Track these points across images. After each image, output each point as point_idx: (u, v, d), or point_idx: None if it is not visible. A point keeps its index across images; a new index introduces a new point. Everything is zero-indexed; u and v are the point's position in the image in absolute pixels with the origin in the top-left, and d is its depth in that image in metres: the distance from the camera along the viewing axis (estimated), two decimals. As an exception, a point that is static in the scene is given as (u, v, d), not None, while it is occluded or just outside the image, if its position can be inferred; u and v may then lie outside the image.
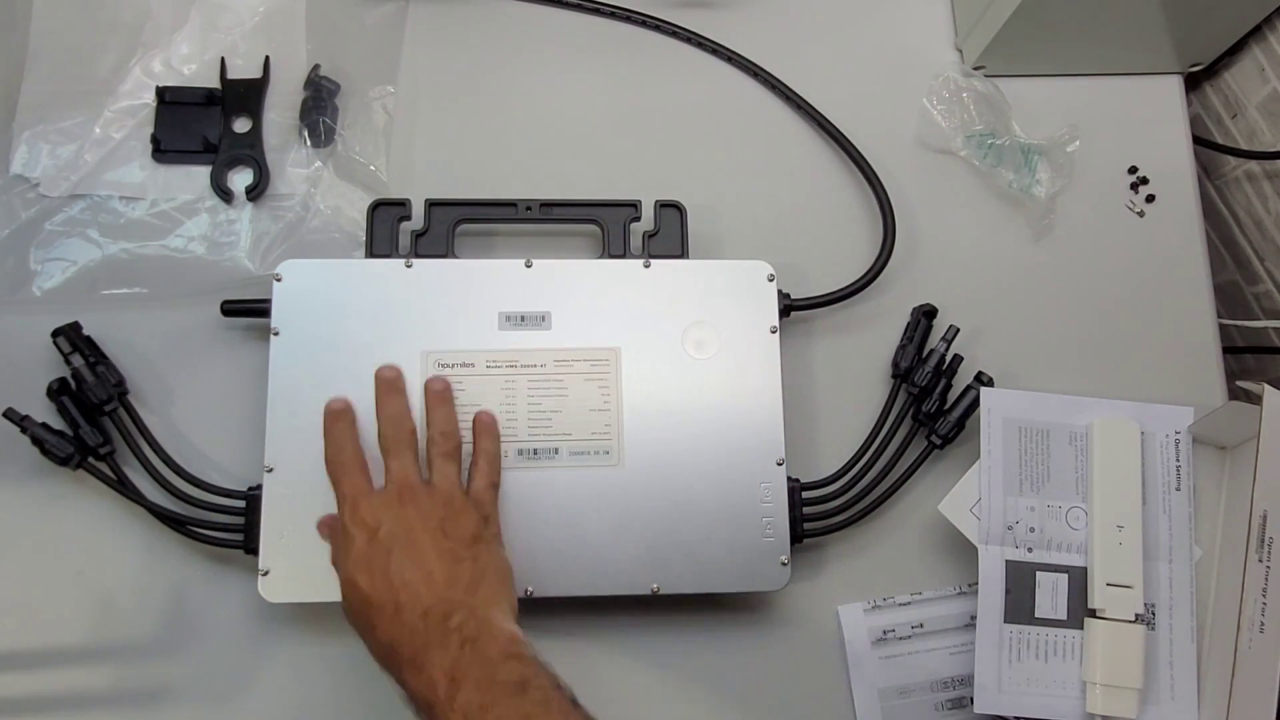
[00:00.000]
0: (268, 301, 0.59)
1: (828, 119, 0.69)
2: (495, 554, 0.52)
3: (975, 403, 0.61)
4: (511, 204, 0.63)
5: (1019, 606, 0.58)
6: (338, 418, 0.55)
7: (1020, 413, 0.61)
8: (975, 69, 0.71)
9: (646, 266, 0.61)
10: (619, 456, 0.58)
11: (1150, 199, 0.71)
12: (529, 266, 0.60)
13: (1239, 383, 0.66)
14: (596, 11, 0.72)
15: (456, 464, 0.54)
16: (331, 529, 0.53)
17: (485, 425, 0.57)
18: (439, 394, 0.57)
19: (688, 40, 0.71)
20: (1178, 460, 0.61)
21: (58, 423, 0.58)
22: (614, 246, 0.63)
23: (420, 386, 0.57)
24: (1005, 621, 0.58)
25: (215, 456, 0.60)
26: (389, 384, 0.56)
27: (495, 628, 0.48)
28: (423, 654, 0.46)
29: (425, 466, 0.54)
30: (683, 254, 0.63)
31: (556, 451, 0.58)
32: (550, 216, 0.63)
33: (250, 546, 0.56)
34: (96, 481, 0.58)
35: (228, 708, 0.58)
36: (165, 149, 0.65)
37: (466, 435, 0.57)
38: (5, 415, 0.56)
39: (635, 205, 0.63)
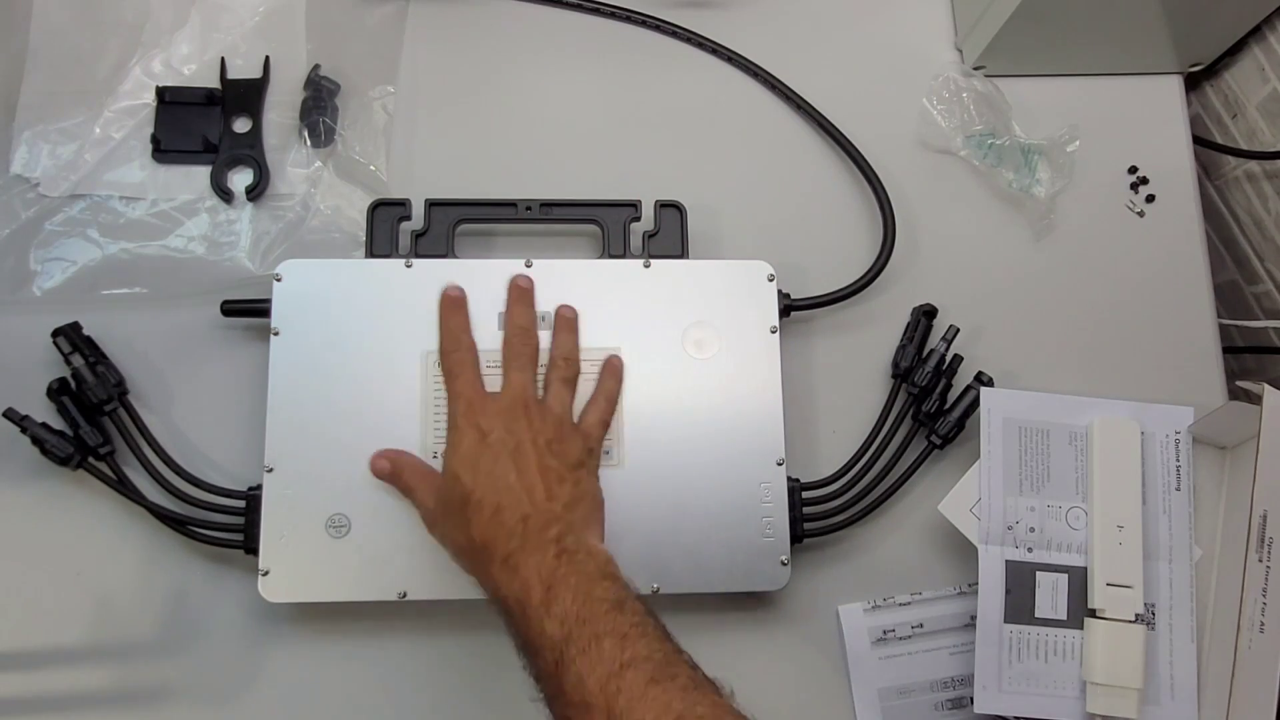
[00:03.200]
0: (268, 301, 0.59)
1: (828, 119, 0.69)
2: (594, 484, 0.54)
3: (975, 403, 0.61)
4: (511, 204, 0.63)
5: (1019, 606, 0.58)
6: (455, 307, 0.56)
7: (1020, 413, 0.61)
8: (975, 69, 0.71)
9: (646, 266, 0.61)
10: (619, 456, 0.58)
11: (1150, 199, 0.71)
12: (529, 266, 0.60)
13: (1239, 383, 0.66)
14: (596, 11, 0.72)
15: (572, 391, 0.56)
16: (395, 460, 0.54)
17: (613, 368, 0.58)
18: (568, 321, 0.58)
19: (688, 40, 0.71)
20: (1178, 460, 0.61)
21: (58, 423, 0.58)
22: (614, 246, 0.63)
23: (420, 386, 0.58)
24: (1005, 621, 0.58)
25: (215, 456, 0.60)
26: (522, 293, 0.58)
27: (592, 545, 0.49)
28: (519, 555, 0.47)
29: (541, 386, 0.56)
30: (683, 254, 0.63)
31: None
32: (550, 216, 0.63)
33: (250, 546, 0.56)
34: (96, 481, 0.58)
35: (228, 708, 0.58)
36: (165, 149, 0.65)
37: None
38: (5, 415, 0.56)
39: (635, 205, 0.63)
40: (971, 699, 0.58)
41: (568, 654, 0.43)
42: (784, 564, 0.58)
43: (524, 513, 0.49)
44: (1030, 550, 0.59)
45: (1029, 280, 0.68)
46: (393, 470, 0.55)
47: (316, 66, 0.67)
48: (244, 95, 0.66)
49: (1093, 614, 0.58)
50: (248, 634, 0.58)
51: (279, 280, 0.59)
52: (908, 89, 0.71)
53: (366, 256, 0.62)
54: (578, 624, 0.44)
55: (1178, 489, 0.60)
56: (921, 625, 0.61)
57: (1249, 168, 0.75)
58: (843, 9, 0.73)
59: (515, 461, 0.51)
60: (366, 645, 0.59)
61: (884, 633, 0.61)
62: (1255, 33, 0.71)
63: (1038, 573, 0.58)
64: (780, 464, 0.59)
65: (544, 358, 0.58)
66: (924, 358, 0.63)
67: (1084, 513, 0.59)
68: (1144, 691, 0.57)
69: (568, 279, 0.60)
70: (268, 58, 0.67)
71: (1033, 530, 0.59)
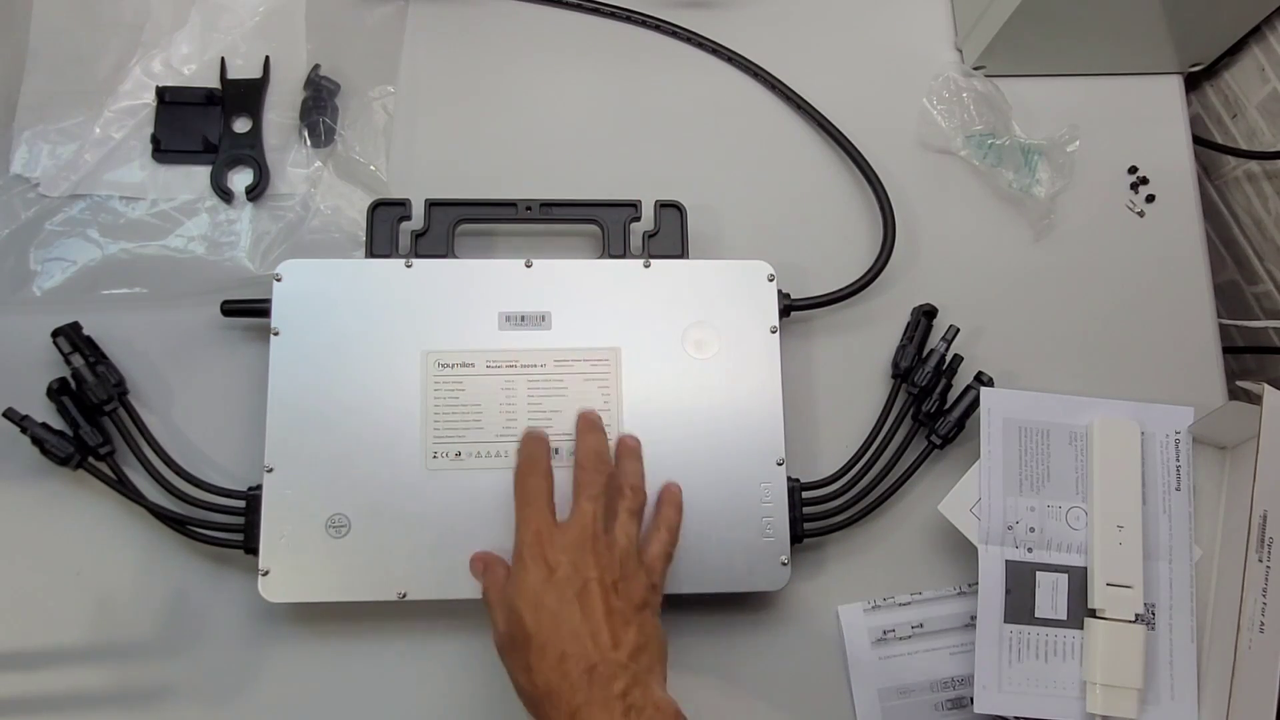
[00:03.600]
0: (268, 301, 0.59)
1: (828, 119, 0.69)
2: (657, 624, 0.51)
3: (975, 403, 0.61)
4: (511, 204, 0.63)
5: (1019, 606, 0.58)
6: (537, 439, 0.55)
7: (1020, 413, 0.61)
8: (975, 69, 0.71)
9: (646, 266, 0.61)
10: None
11: (1150, 199, 0.71)
12: (529, 266, 0.60)
13: (1239, 383, 0.66)
14: (596, 11, 0.72)
15: (639, 523, 0.54)
16: (489, 565, 0.53)
17: (673, 496, 0.57)
18: (632, 449, 0.57)
19: (688, 40, 0.71)
20: (1178, 460, 0.61)
21: (58, 423, 0.58)
22: (614, 246, 0.63)
23: (420, 386, 0.58)
24: (1005, 621, 0.58)
25: (215, 456, 0.60)
26: (592, 423, 0.57)
27: (659, 699, 0.47)
28: (585, 711, 0.46)
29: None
30: (683, 254, 0.63)
31: (557, 451, 0.57)
32: (550, 216, 0.63)
33: (250, 546, 0.56)
34: (96, 481, 0.58)
35: (228, 708, 0.58)
36: (165, 149, 0.65)
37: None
38: (5, 415, 0.56)
39: (635, 205, 0.63)
40: (971, 699, 0.58)
41: None
42: (784, 564, 0.58)
43: (590, 663, 0.47)
44: (1030, 550, 0.59)
45: (1029, 280, 0.68)
46: (484, 577, 0.53)
47: (316, 66, 0.67)
48: (244, 95, 0.66)
49: (1093, 614, 0.58)
50: (248, 634, 0.58)
51: (279, 280, 0.59)
52: (908, 89, 0.71)
53: (366, 256, 0.62)
54: None
55: (1178, 489, 0.60)
56: (921, 625, 0.61)
57: (1249, 168, 0.75)
58: (843, 9, 0.73)
59: (581, 603, 0.49)
60: (366, 645, 0.59)
61: (884, 633, 0.61)
62: (1255, 33, 0.71)
63: (1038, 573, 0.58)
64: (780, 464, 0.59)
65: (536, 360, 0.57)
66: (924, 358, 0.63)
67: (1084, 513, 0.59)
68: (1144, 691, 0.57)
69: (568, 279, 0.60)
70: (268, 58, 0.67)
71: (1033, 530, 0.59)
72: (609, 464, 0.55)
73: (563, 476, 0.55)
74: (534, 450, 0.55)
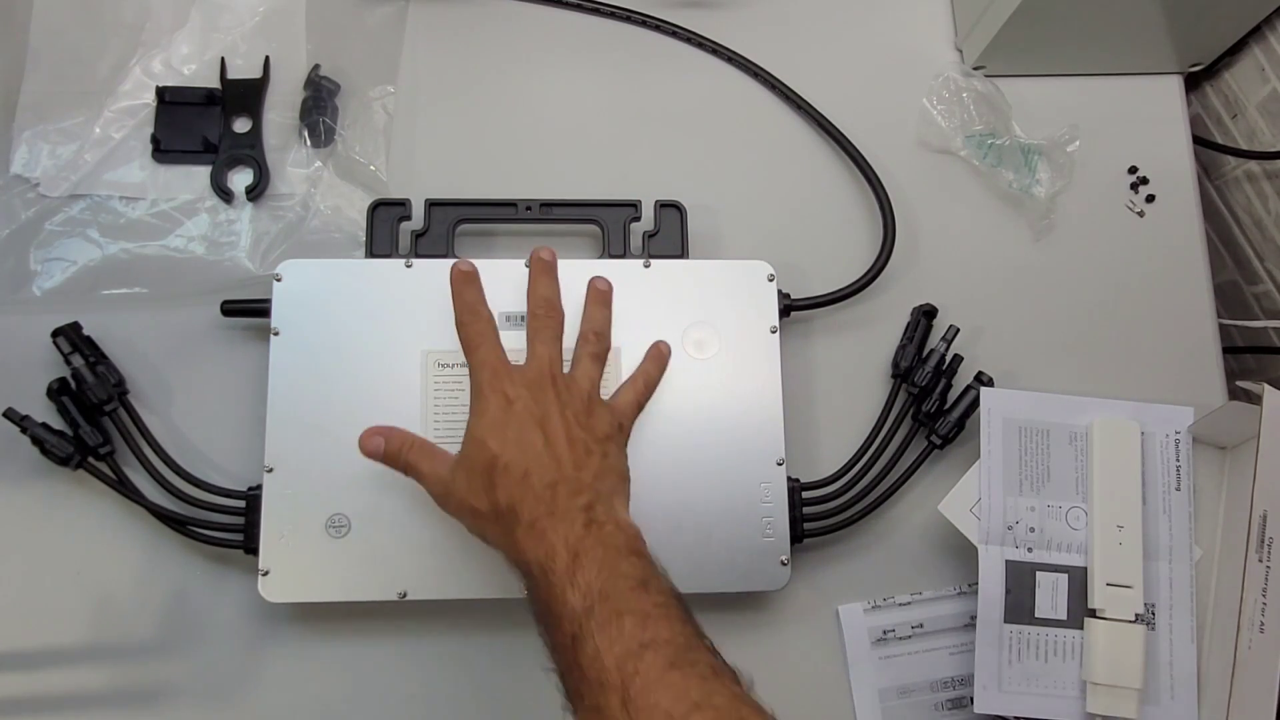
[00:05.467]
0: (268, 301, 0.59)
1: (828, 119, 0.69)
2: (622, 458, 0.52)
3: (975, 403, 0.61)
4: (511, 204, 0.63)
5: (1019, 606, 0.58)
6: (468, 280, 0.55)
7: (1020, 413, 0.61)
8: (975, 69, 0.71)
9: (646, 266, 0.61)
10: (619, 456, 0.58)
11: (1150, 199, 0.71)
12: (529, 266, 0.60)
13: (1239, 383, 0.66)
14: (596, 11, 0.72)
15: (601, 367, 0.55)
16: (388, 434, 0.52)
17: (658, 353, 0.58)
18: (601, 293, 0.57)
19: (688, 40, 0.71)
20: (1178, 460, 0.61)
21: (58, 423, 0.58)
22: (614, 246, 0.63)
23: (421, 386, 0.58)
24: (1005, 621, 0.58)
25: (215, 456, 0.60)
26: (546, 266, 0.56)
27: (621, 518, 0.48)
28: (545, 520, 0.46)
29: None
30: (683, 254, 0.63)
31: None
32: (550, 216, 0.63)
33: (250, 546, 0.56)
34: (96, 481, 0.58)
35: (228, 708, 0.58)
36: (165, 149, 0.65)
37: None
38: (5, 415, 0.56)
39: (635, 205, 0.63)
40: (971, 699, 0.58)
41: (587, 627, 0.42)
42: (784, 564, 0.58)
43: (552, 479, 0.47)
44: (1030, 550, 0.59)
45: (1029, 280, 0.68)
46: (388, 449, 0.52)
47: (316, 66, 0.67)
48: (244, 95, 0.66)
49: (1093, 614, 0.58)
50: (248, 634, 0.58)
51: (279, 280, 0.59)
52: (908, 89, 0.71)
53: (366, 256, 0.62)
54: (600, 598, 0.43)
55: (1178, 489, 0.60)
56: (921, 625, 0.61)
57: (1249, 168, 0.75)
58: (843, 9, 0.73)
59: (543, 429, 0.49)
60: (366, 645, 0.59)
61: (884, 633, 0.61)
62: (1255, 33, 0.71)
63: (1038, 573, 0.58)
64: (780, 464, 0.59)
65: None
66: (924, 358, 0.63)
67: (1084, 513, 0.59)
68: (1144, 691, 0.57)
69: (568, 279, 0.60)
70: (268, 58, 0.67)
71: (1033, 530, 0.59)
72: (560, 310, 0.55)
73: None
74: (471, 298, 0.54)
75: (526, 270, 0.60)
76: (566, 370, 0.55)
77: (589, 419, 0.51)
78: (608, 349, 0.55)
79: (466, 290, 0.55)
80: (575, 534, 0.45)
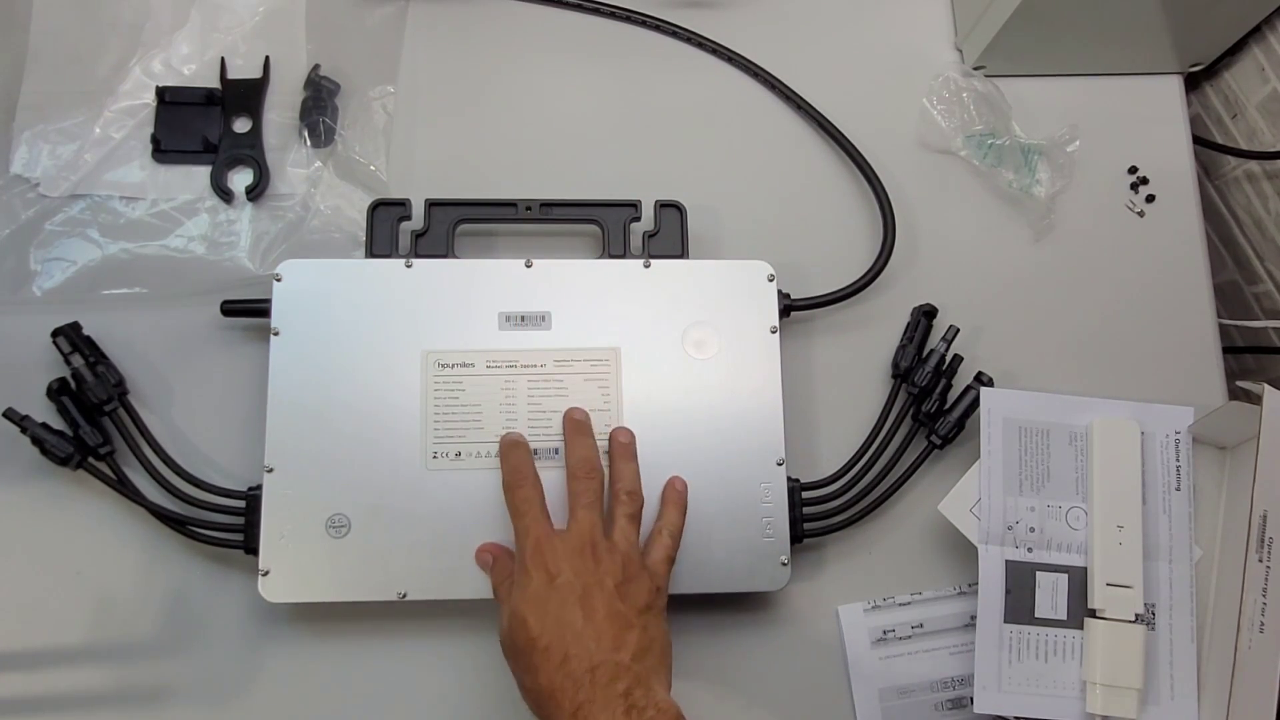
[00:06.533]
0: (268, 301, 0.59)
1: (828, 119, 0.69)
2: (662, 626, 0.52)
3: (975, 403, 0.61)
4: (511, 204, 0.63)
5: (1019, 606, 0.58)
6: (516, 446, 0.55)
7: (1020, 413, 0.61)
8: (975, 69, 0.71)
9: (646, 266, 0.61)
10: (619, 456, 0.58)
11: (1150, 199, 0.71)
12: (529, 266, 0.60)
13: (1239, 383, 0.66)
14: (596, 11, 0.72)
15: (638, 526, 0.54)
16: (496, 559, 0.54)
17: (675, 496, 0.57)
18: (626, 448, 0.57)
19: (688, 40, 0.71)
20: (1178, 460, 0.61)
21: (58, 423, 0.58)
22: (614, 246, 0.63)
23: (420, 386, 0.58)
24: (1005, 621, 0.58)
25: (215, 456, 0.60)
26: (579, 425, 0.57)
27: (660, 700, 0.47)
28: (586, 709, 0.46)
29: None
30: (683, 254, 0.63)
31: (557, 451, 0.58)
32: (550, 216, 0.63)
33: (250, 546, 0.56)
34: (96, 481, 0.58)
35: (228, 708, 0.58)
36: (165, 149, 0.65)
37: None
38: (5, 415, 0.56)
39: (635, 205, 0.63)
40: (971, 699, 0.58)
41: None
42: (784, 564, 0.58)
43: (593, 663, 0.47)
44: (1030, 550, 0.59)
45: (1029, 280, 0.68)
46: (493, 572, 0.55)
47: (316, 66, 0.67)
48: (244, 95, 0.66)
49: (1093, 614, 0.58)
50: (248, 634, 0.58)
51: (279, 280, 0.59)
52: (908, 89, 0.71)
53: (366, 256, 0.62)
54: None
55: (1178, 489, 0.60)
56: (921, 625, 0.61)
57: (1249, 168, 0.75)
58: (843, 9, 0.73)
59: (584, 607, 0.49)
60: (366, 645, 0.59)
61: (884, 633, 0.61)
62: (1255, 33, 0.71)
63: (1038, 573, 0.58)
64: (780, 464, 0.59)
65: (536, 360, 0.58)
66: (924, 358, 0.63)
67: (1084, 513, 0.59)
68: (1144, 691, 0.57)
69: (568, 279, 0.60)
70: (268, 58, 0.67)
71: (1033, 530, 0.59)
72: (600, 470, 0.55)
73: (558, 477, 0.56)
74: (517, 460, 0.55)
75: (526, 270, 0.60)
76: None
77: (629, 588, 0.51)
78: (641, 505, 0.55)
79: (513, 454, 0.55)
80: None
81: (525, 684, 0.49)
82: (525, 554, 0.51)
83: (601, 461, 0.56)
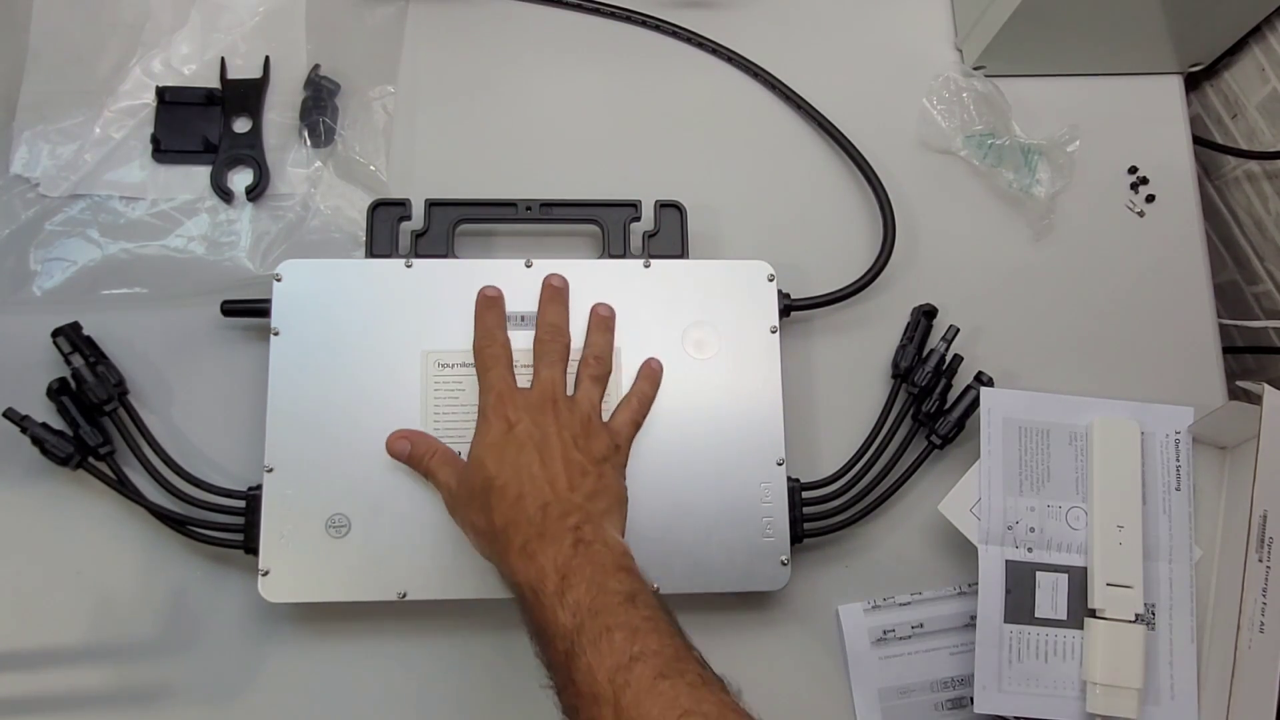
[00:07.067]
0: (268, 301, 0.59)
1: (828, 119, 0.69)
2: (618, 479, 0.54)
3: (975, 403, 0.61)
4: (511, 204, 0.63)
5: (1019, 606, 0.58)
6: (491, 305, 0.58)
7: (1020, 413, 0.61)
8: (975, 69, 0.71)
9: (646, 266, 0.61)
10: (619, 456, 0.58)
11: (1150, 199, 0.71)
12: (529, 266, 0.60)
13: (1239, 383, 0.66)
14: (596, 11, 0.71)
15: (602, 389, 0.57)
16: (413, 440, 0.55)
17: (651, 371, 0.59)
18: (603, 319, 0.59)
19: (688, 40, 0.71)
20: (1178, 460, 0.61)
21: (58, 423, 0.58)
22: (614, 246, 0.63)
23: (421, 386, 0.58)
24: (1005, 621, 0.58)
25: (215, 456, 0.60)
26: (555, 292, 0.59)
27: (609, 537, 0.49)
28: (536, 543, 0.48)
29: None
30: (683, 254, 0.63)
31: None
32: (550, 216, 0.63)
33: (250, 546, 0.56)
34: (96, 481, 0.58)
35: (228, 708, 0.58)
36: (165, 149, 0.65)
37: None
38: (5, 415, 0.56)
39: (635, 205, 0.63)
40: (971, 699, 0.58)
41: (578, 644, 0.44)
42: (784, 564, 0.58)
43: (544, 501, 0.49)
44: (1030, 550, 0.59)
45: (1029, 280, 0.68)
46: (412, 452, 0.55)
47: (316, 66, 0.67)
48: (244, 95, 0.66)
49: (1093, 614, 0.58)
50: (248, 634, 0.58)
51: (279, 280, 0.59)
52: (908, 89, 0.71)
53: (366, 256, 0.62)
54: (590, 615, 0.44)
55: (1178, 489, 0.60)
56: (921, 625, 0.61)
57: (1249, 168, 0.75)
58: (843, 9, 0.73)
59: (540, 452, 0.52)
60: (366, 645, 0.59)
61: (884, 633, 0.61)
62: (1255, 33, 0.71)
63: (1038, 573, 0.58)
64: (780, 464, 0.59)
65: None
66: (924, 358, 0.63)
67: (1084, 513, 0.59)
68: (1144, 691, 0.57)
69: (568, 279, 0.60)
70: (268, 58, 0.67)
71: (1033, 530, 0.59)
72: (566, 334, 0.58)
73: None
74: (489, 320, 0.57)
75: (526, 270, 0.60)
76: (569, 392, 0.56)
77: (587, 441, 0.53)
78: (608, 372, 0.58)
79: (488, 314, 0.58)
80: (564, 555, 0.47)
81: (478, 526, 0.51)
82: (487, 406, 0.54)
83: (572, 333, 0.59)
